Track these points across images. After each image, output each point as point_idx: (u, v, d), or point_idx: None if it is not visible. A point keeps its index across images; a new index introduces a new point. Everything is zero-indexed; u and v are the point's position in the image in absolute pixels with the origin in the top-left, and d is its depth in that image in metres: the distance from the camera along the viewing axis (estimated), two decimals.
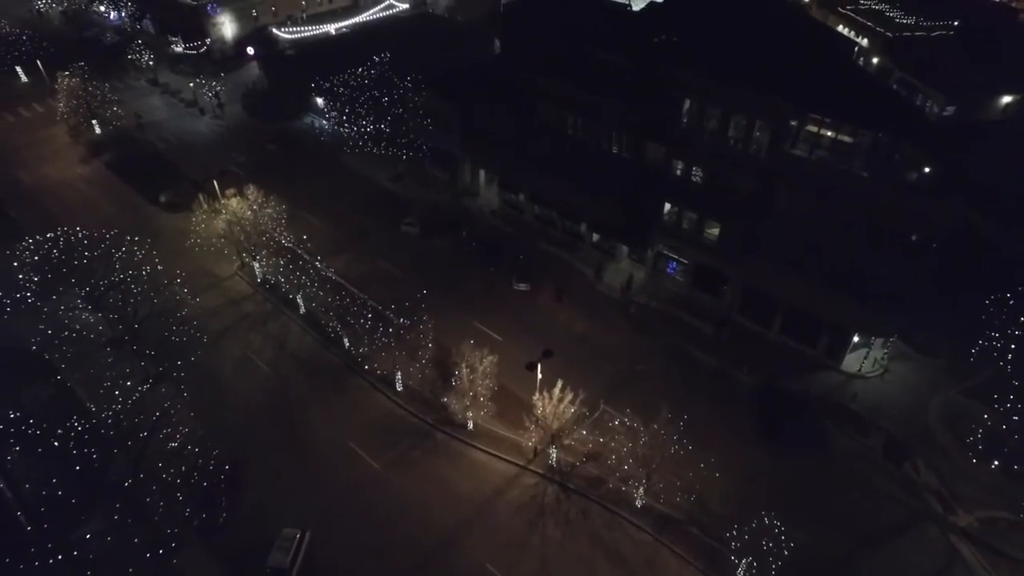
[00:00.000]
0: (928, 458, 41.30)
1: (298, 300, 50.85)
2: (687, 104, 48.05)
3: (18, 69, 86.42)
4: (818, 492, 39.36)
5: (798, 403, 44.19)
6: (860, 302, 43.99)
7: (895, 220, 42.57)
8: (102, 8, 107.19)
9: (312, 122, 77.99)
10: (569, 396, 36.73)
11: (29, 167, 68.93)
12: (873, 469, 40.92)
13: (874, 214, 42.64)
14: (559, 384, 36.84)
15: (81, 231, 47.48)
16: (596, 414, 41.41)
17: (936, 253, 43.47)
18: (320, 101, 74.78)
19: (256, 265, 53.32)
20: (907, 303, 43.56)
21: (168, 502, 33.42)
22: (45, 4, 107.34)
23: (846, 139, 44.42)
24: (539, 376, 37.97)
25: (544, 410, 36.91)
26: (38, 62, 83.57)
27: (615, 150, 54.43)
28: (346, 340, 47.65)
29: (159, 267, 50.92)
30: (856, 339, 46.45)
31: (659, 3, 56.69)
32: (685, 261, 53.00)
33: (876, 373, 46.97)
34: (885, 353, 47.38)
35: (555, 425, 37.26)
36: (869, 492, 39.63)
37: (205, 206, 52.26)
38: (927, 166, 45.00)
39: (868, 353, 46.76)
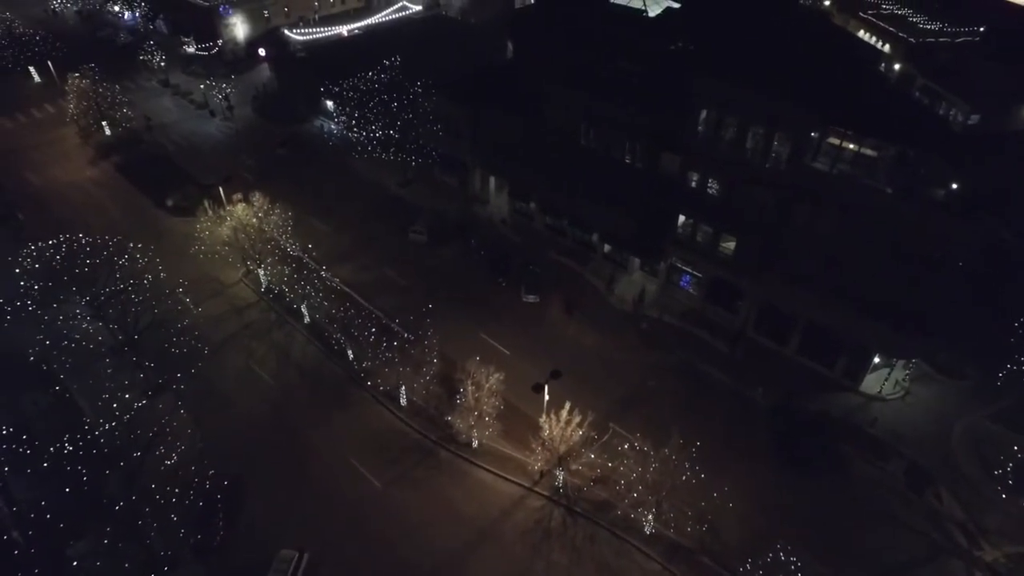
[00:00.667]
0: (952, 487, 39.58)
1: (303, 310, 49.92)
2: (704, 114, 46.53)
3: (31, 69, 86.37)
4: (836, 521, 37.77)
5: (815, 426, 42.54)
6: (882, 321, 42.30)
7: (919, 237, 40.81)
8: (116, 8, 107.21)
9: (322, 125, 77.19)
10: (577, 419, 35.42)
11: (39, 168, 68.63)
12: (893, 497, 39.28)
13: (897, 230, 40.91)
14: (567, 406, 35.56)
15: (84, 237, 46.78)
16: (605, 437, 40.04)
17: (963, 271, 41.70)
18: (330, 104, 73.99)
19: (261, 272, 52.46)
20: (931, 323, 41.83)
21: (163, 522, 32.49)
22: (60, 4, 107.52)
23: (869, 152, 42.77)
24: (546, 397, 36.68)
25: (551, 432, 35.62)
26: (49, 63, 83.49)
27: (628, 159, 52.98)
28: (350, 352, 46.64)
29: (162, 275, 50.36)
30: (876, 360, 44.77)
31: (676, 9, 55.10)
32: (699, 275, 51.49)
33: (897, 395, 45.24)
34: (907, 374, 45.64)
35: (562, 448, 35.97)
36: (889, 522, 37.98)
37: (210, 212, 51.50)
38: (953, 181, 43.27)
39: (889, 374, 45.00)
